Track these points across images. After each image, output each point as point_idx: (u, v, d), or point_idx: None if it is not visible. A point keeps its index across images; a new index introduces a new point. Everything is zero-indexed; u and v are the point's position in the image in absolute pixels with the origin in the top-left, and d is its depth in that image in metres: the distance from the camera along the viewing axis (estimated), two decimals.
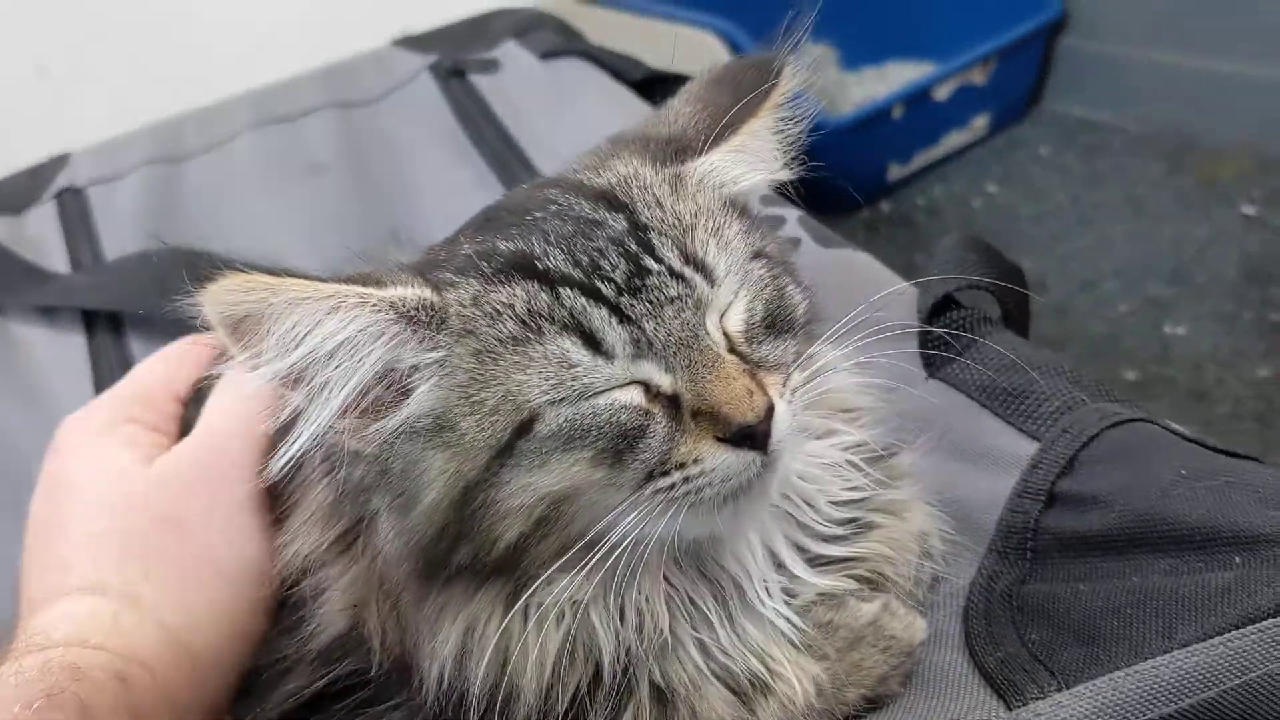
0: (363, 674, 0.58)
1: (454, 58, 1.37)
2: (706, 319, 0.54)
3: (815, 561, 0.61)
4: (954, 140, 2.24)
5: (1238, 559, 0.56)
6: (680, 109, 0.65)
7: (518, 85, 1.32)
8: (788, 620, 0.58)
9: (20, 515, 0.91)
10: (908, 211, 2.21)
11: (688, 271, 0.54)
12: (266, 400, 0.56)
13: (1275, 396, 1.75)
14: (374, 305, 0.51)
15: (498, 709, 0.53)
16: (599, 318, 0.52)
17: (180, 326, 1.11)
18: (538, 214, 0.56)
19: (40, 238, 1.23)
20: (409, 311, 0.52)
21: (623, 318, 0.52)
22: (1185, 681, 0.51)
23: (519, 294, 0.52)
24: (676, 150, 0.62)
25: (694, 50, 1.83)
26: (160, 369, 0.77)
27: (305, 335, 0.49)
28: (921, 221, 2.19)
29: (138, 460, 0.68)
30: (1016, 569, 0.62)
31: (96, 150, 1.35)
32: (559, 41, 1.39)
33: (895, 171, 2.19)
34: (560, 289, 0.52)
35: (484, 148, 1.23)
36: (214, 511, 0.65)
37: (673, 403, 0.52)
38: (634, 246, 0.54)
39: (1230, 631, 0.52)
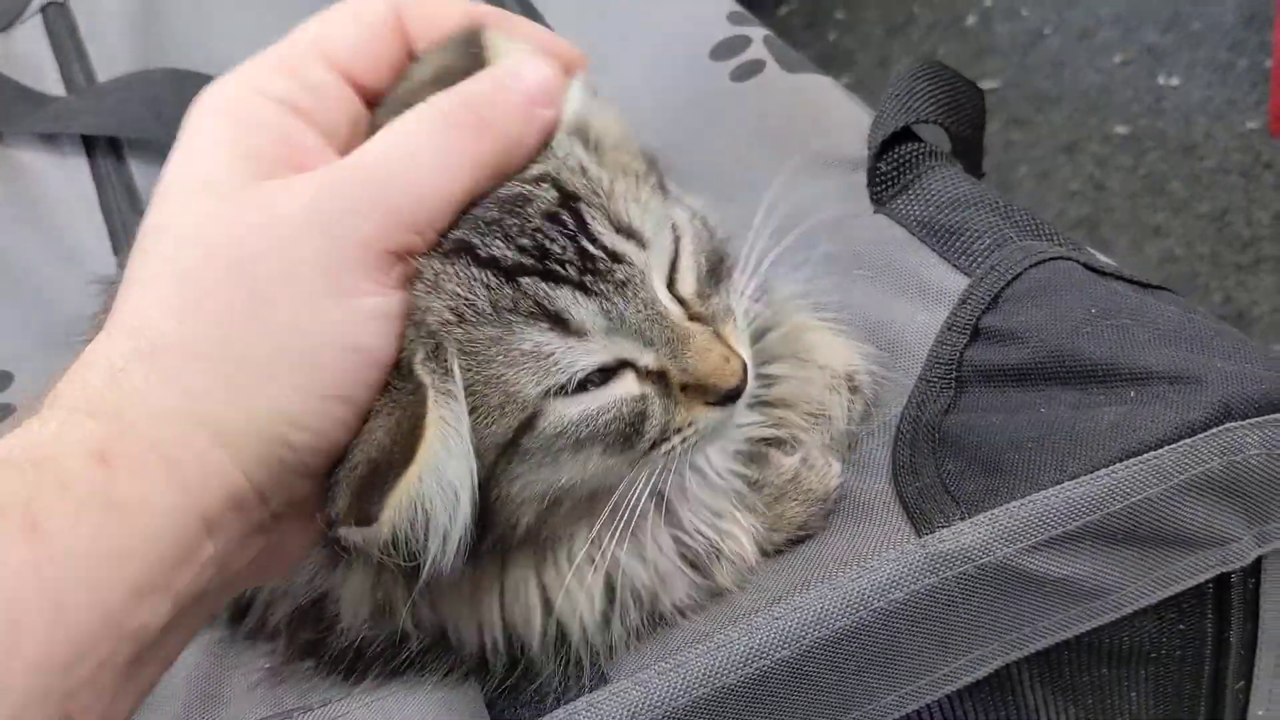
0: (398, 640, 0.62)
1: None
2: (656, 289, 0.55)
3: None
4: None
5: (1132, 393, 0.63)
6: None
7: None
8: (731, 481, 0.65)
9: (46, 341, 0.97)
10: None
11: (625, 247, 0.54)
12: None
13: (1262, 150, 1.76)
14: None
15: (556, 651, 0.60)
16: (562, 297, 0.52)
17: None
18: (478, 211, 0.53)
19: (32, 57, 1.25)
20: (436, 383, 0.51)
21: (588, 293, 0.52)
22: (1072, 508, 0.59)
23: (486, 292, 0.51)
24: None
25: None
26: (314, 25, 0.57)
27: None
28: None
29: (240, 177, 0.50)
30: (942, 399, 0.69)
31: None
32: None
33: None
34: (520, 279, 0.51)
35: None
36: (316, 286, 0.48)
37: (661, 378, 0.56)
38: (570, 224, 0.52)
39: (1114, 464, 0.59)
